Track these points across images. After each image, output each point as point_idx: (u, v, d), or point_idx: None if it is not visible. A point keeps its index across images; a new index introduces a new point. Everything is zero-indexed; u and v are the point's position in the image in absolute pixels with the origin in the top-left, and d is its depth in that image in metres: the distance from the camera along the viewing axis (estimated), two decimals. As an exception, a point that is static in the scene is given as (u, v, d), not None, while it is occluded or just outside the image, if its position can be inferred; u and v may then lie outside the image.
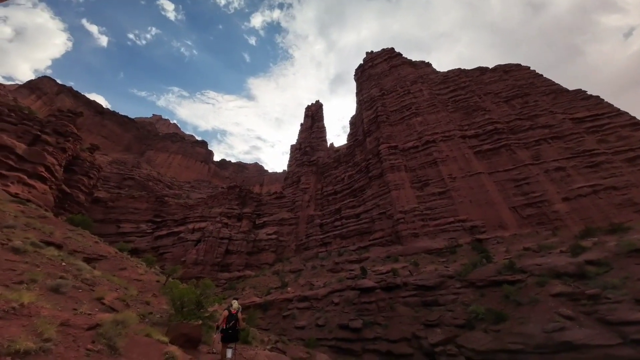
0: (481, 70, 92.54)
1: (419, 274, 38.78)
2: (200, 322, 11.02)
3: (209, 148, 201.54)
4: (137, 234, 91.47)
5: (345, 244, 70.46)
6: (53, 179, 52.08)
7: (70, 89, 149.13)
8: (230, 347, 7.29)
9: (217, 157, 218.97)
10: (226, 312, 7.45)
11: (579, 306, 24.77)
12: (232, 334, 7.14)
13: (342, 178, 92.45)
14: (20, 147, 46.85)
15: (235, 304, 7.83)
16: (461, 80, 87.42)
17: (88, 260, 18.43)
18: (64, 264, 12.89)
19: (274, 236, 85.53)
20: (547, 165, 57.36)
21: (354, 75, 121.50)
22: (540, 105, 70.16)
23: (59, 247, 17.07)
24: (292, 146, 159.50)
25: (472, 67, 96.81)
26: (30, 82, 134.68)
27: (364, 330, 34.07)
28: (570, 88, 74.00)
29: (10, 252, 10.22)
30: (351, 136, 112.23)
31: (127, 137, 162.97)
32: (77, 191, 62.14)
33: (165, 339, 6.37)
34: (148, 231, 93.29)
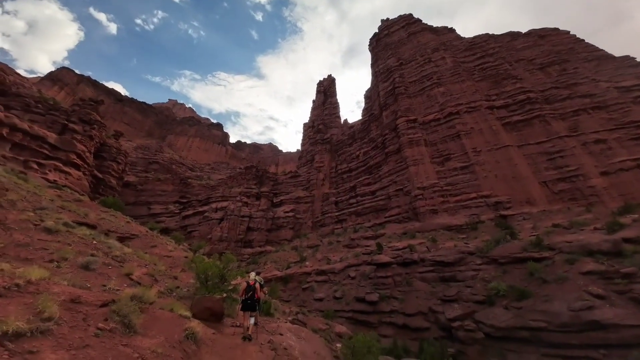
0: (512, 36, 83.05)
1: (437, 250, 38.32)
2: (225, 295, 11.23)
3: (224, 130, 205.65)
4: (167, 214, 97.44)
5: (361, 221, 70.74)
6: (85, 166, 55.46)
7: (89, 79, 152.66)
8: (252, 316, 7.78)
9: (232, 139, 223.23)
10: (245, 284, 7.90)
11: (611, 285, 23.47)
12: (250, 304, 7.50)
13: (357, 155, 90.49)
14: (52, 137, 49.30)
15: (253, 275, 8.26)
16: (489, 46, 79.18)
17: (121, 239, 19.22)
18: (94, 242, 13.42)
19: (291, 214, 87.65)
20: (585, 138, 52.39)
21: (369, 46, 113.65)
22: (580, 73, 62.65)
23: (93, 227, 17.95)
24: (304, 124, 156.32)
25: (501, 32, 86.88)
26: (50, 73, 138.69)
27: (380, 304, 34.89)
28: (615, 55, 65.06)
29: (43, 232, 10.65)
30: (366, 111, 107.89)
31: (147, 122, 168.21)
32: (108, 176, 66.64)
33: (188, 314, 6.46)
34: (176, 212, 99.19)
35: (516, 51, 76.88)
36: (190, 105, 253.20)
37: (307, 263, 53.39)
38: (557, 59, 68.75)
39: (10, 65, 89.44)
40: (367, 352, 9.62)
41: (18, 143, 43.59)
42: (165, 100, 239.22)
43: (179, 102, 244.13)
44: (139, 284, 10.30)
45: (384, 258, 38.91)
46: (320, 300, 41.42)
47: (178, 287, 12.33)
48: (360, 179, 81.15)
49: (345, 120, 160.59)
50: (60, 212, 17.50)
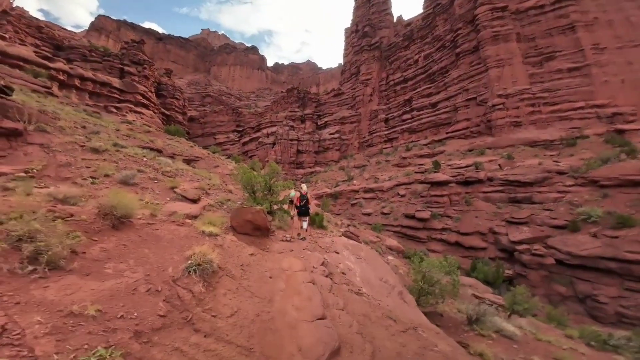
0: None
1: (513, 168, 32.59)
2: (275, 206, 10.49)
3: (260, 53, 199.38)
4: (230, 142, 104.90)
5: (415, 139, 64.10)
6: (152, 105, 58.78)
7: (126, 22, 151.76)
8: (305, 220, 8.77)
9: (269, 62, 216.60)
10: (298, 193, 8.75)
11: None
12: (304, 210, 8.53)
13: (416, 60, 74.77)
14: (116, 82, 51.32)
15: (304, 186, 9.02)
16: None
17: (187, 161, 20.19)
18: (145, 159, 13.08)
19: (336, 135, 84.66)
20: None
21: None
22: None
23: (159, 151, 18.57)
24: (346, 30, 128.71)
25: None
26: (92, 24, 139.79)
27: (432, 221, 33.71)
28: None
29: (89, 152, 10.11)
30: (430, 1, 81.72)
31: (191, 57, 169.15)
32: (174, 112, 71.61)
33: (215, 229, 4.99)
34: (236, 139, 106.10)
35: None
36: (222, 32, 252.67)
37: (354, 182, 53.31)
38: None
39: (55, 23, 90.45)
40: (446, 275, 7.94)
41: (92, 91, 46.33)
42: (199, 32, 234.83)
43: (211, 30, 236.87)
44: (184, 197, 9.62)
45: (440, 176, 35.26)
46: (368, 215, 42.36)
47: (229, 199, 11.65)
48: (417, 90, 69.33)
49: (399, 18, 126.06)
50: (127, 140, 17.74)
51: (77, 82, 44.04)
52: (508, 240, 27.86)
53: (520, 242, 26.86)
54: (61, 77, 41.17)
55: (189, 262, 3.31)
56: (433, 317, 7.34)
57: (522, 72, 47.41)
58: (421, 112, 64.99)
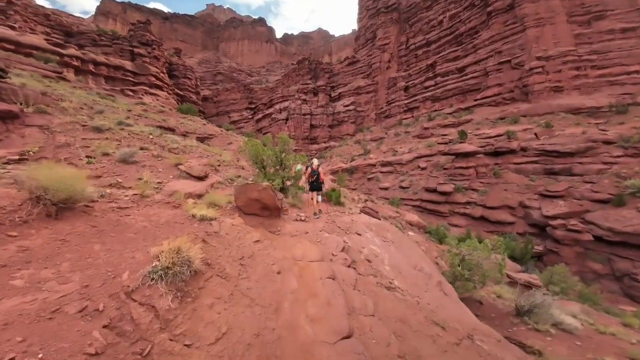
0: None
1: (551, 137, 29.20)
2: (289, 182, 9.61)
3: (268, 25, 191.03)
4: (244, 120, 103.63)
5: (439, 107, 59.29)
6: (166, 85, 58.03)
7: (130, 4, 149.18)
8: (319, 195, 8.50)
9: (278, 34, 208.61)
10: (309, 169, 8.39)
11: None
12: (316, 185, 8.27)
13: (440, 21, 66.89)
14: (128, 64, 50.52)
15: (316, 161, 8.57)
16: None
17: (201, 139, 19.63)
18: (151, 137, 12.26)
19: (351, 107, 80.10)
20: None
21: None
22: None
23: (171, 130, 17.83)
24: None
25: None
26: (98, 9, 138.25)
27: (455, 194, 31.77)
28: None
29: (91, 131, 9.32)
30: None
31: (198, 35, 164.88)
32: (187, 92, 70.68)
33: (210, 212, 3.98)
34: (249, 117, 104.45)
35: None
36: (228, 6, 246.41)
37: (371, 155, 51.07)
38: None
39: (63, 10, 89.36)
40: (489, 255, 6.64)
41: (107, 76, 46.02)
42: (204, 8, 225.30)
43: (216, 5, 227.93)
44: (189, 174, 8.76)
45: (467, 147, 32.50)
46: (386, 189, 40.85)
47: (239, 175, 10.75)
48: (442, 54, 62.74)
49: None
50: (137, 120, 16.92)
51: (91, 67, 43.85)
52: (540, 214, 25.79)
53: (554, 217, 24.74)
54: (75, 63, 41.12)
55: (155, 263, 2.27)
56: (471, 305, 6.28)
57: (566, 32, 41.00)
58: (446, 77, 59.22)
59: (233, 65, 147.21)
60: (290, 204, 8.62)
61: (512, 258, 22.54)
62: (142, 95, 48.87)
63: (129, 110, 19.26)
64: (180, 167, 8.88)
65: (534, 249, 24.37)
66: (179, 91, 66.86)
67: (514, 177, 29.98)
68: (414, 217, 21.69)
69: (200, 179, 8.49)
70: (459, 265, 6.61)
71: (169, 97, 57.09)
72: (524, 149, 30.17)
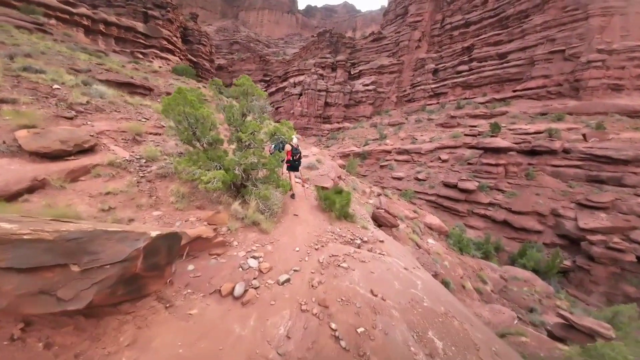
0: None
1: (603, 141, 25.13)
2: (261, 172, 6.17)
3: None
4: None
5: (470, 95, 54.05)
6: (178, 50, 55.91)
7: None
8: (297, 178, 8.21)
9: (301, 6, 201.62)
10: (289, 147, 7.55)
11: None
12: (296, 165, 7.66)
13: (485, 1, 59.57)
14: (140, 26, 48.50)
15: (295, 139, 7.73)
16: None
17: None
18: (55, 87, 8.79)
19: (371, 87, 74.73)
20: None
21: None
22: None
23: (139, 87, 14.49)
24: None
25: None
26: None
27: (478, 193, 28.73)
28: None
29: None
30: None
31: (218, 2, 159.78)
32: (201, 59, 68.07)
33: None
34: (262, 90, 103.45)
35: None
36: None
37: (387, 141, 47.61)
38: None
39: None
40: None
41: (118, 37, 44.38)
42: None
43: None
44: (33, 151, 4.92)
45: (499, 142, 28.83)
46: (399, 179, 37.99)
47: (163, 154, 6.66)
48: (482, 37, 56.25)
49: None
50: (101, 73, 13.86)
51: (101, 27, 42.18)
52: (575, 226, 22.73)
53: (593, 231, 21.67)
54: (85, 22, 39.79)
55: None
56: None
57: (637, 25, 34.80)
58: (483, 63, 53.31)
59: (251, 35, 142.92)
60: (250, 221, 5.07)
61: (535, 271, 19.94)
62: (153, 59, 47.06)
63: (101, 65, 16.21)
64: (18, 134, 5.11)
65: (563, 264, 21.64)
66: (192, 57, 64.34)
67: (550, 180, 26.48)
68: (434, 219, 18.87)
69: (55, 158, 5.07)
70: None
71: (181, 62, 54.96)
72: (566, 151, 26.33)
